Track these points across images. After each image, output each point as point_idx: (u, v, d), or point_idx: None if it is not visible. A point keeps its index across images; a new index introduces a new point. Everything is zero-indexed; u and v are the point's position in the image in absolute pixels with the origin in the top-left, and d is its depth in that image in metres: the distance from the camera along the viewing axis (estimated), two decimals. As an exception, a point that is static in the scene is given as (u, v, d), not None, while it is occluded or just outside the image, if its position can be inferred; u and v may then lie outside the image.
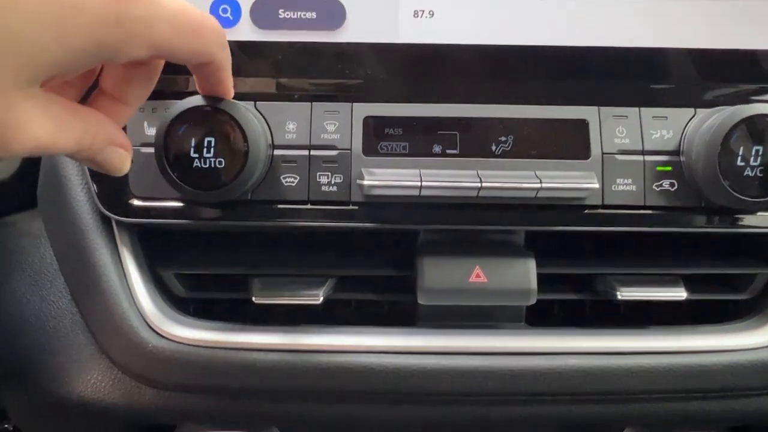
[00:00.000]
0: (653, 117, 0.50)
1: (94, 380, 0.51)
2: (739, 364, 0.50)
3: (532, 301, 0.50)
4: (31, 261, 0.55)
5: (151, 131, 0.48)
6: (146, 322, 0.49)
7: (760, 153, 0.46)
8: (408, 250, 0.52)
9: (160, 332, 0.49)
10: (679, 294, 0.51)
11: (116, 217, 0.49)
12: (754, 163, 0.46)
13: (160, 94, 0.48)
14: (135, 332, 0.48)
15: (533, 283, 0.49)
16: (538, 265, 0.50)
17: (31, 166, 0.55)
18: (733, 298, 0.53)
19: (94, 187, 0.49)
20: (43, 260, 0.54)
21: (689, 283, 0.52)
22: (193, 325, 0.50)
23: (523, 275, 0.49)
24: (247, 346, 0.48)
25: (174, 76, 0.49)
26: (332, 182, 0.49)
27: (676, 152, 0.49)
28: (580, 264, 0.52)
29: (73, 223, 0.50)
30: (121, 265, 0.50)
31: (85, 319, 0.51)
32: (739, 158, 0.46)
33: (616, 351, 0.49)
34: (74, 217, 0.50)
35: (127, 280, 0.50)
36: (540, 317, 0.53)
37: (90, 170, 0.50)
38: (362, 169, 0.48)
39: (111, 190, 0.49)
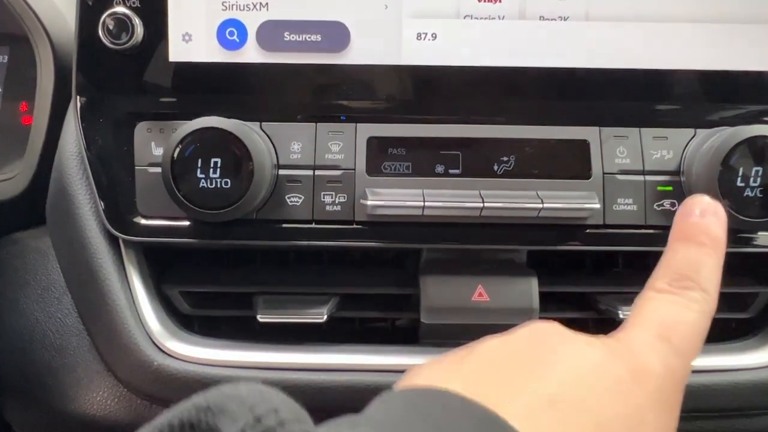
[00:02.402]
0: (654, 137, 0.50)
1: (100, 398, 0.51)
2: (740, 384, 0.49)
3: (534, 319, 0.50)
4: (39, 278, 0.55)
5: (158, 151, 0.49)
6: (152, 340, 0.49)
7: (760, 174, 0.46)
8: (412, 268, 0.53)
9: (165, 350, 0.49)
10: (681, 313, 0.51)
11: (123, 236, 0.50)
12: (754, 184, 0.46)
13: (168, 115, 0.50)
14: (141, 350, 0.49)
15: (535, 302, 0.50)
16: (541, 284, 0.51)
17: (40, 184, 0.56)
18: (734, 317, 0.53)
19: (101, 206, 0.50)
20: (51, 277, 0.55)
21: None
22: (198, 343, 0.50)
23: (525, 294, 0.50)
24: (251, 364, 0.49)
25: (182, 97, 0.50)
26: (336, 202, 0.49)
27: (677, 172, 0.50)
28: (582, 283, 0.53)
29: (80, 241, 0.51)
30: (128, 283, 0.50)
31: (91, 337, 0.52)
32: (739, 179, 0.46)
33: (618, 370, 0.50)
34: (81, 235, 0.51)
35: (133, 298, 0.50)
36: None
37: (98, 189, 0.50)
38: (366, 189, 0.48)
39: (118, 209, 0.50)
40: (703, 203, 0.34)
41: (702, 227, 0.33)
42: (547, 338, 0.30)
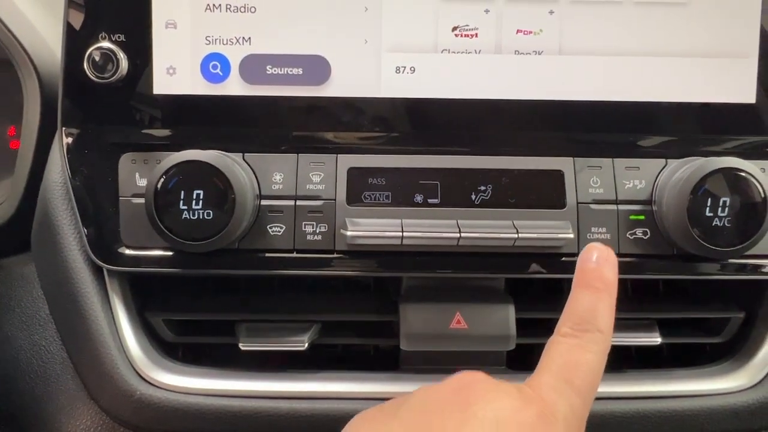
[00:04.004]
0: (626, 167, 0.52)
1: (83, 426, 0.52)
2: (714, 409, 0.51)
3: (511, 346, 0.51)
4: (24, 305, 0.56)
5: (142, 182, 0.50)
6: (134, 369, 0.50)
7: (728, 204, 0.48)
8: (391, 294, 0.54)
9: (147, 379, 0.50)
10: (654, 339, 0.52)
11: (107, 266, 0.50)
12: (722, 214, 0.48)
13: (152, 146, 0.51)
14: (123, 379, 0.49)
15: (512, 329, 0.51)
16: (518, 310, 0.52)
17: (27, 210, 0.57)
18: (707, 341, 0.55)
19: (85, 236, 0.51)
20: (36, 304, 0.56)
21: (666, 326, 0.53)
22: (181, 372, 0.51)
23: (502, 321, 0.51)
24: (233, 392, 0.50)
25: (166, 128, 0.51)
26: (317, 231, 0.50)
27: (649, 201, 0.51)
28: (559, 308, 0.53)
29: (63, 270, 0.52)
30: (111, 312, 0.51)
31: (74, 365, 0.52)
32: (708, 209, 0.48)
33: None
34: (65, 264, 0.52)
35: (116, 327, 0.51)
36: (523, 359, 0.54)
37: (82, 219, 0.51)
38: (345, 219, 0.49)
39: (102, 239, 0.50)
40: (598, 250, 0.40)
41: (597, 273, 0.39)
42: (471, 389, 0.34)
